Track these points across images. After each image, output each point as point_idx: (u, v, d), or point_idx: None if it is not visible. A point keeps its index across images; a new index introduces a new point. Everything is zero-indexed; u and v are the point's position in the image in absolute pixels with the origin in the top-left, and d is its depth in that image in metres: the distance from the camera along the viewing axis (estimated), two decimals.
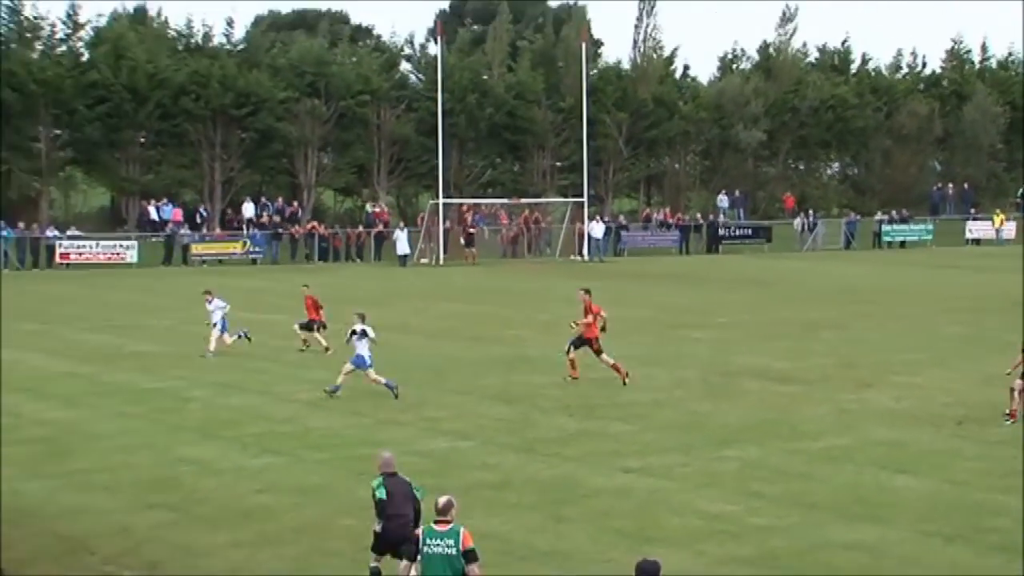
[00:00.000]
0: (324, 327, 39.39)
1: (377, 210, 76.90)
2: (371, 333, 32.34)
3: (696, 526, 21.39)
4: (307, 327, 39.61)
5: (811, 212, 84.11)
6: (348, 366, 32.17)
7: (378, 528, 17.02)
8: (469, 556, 15.15)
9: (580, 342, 34.07)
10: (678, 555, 19.92)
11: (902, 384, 33.62)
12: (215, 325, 38.38)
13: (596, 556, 19.78)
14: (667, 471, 24.89)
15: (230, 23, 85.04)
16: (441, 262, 69.68)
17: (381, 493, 16.89)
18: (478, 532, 20.04)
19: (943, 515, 21.89)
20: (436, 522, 15.33)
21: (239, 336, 38.86)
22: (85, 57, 78.00)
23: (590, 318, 34.30)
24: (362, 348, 32.21)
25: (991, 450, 26.54)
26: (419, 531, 15.77)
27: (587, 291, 35.05)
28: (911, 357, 37.44)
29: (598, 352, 33.85)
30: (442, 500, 15.40)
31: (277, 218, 74.77)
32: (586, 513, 22.05)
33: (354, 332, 32.05)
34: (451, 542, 15.12)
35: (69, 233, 69.96)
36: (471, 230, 73.91)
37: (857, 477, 24.44)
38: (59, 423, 29.27)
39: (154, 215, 73.33)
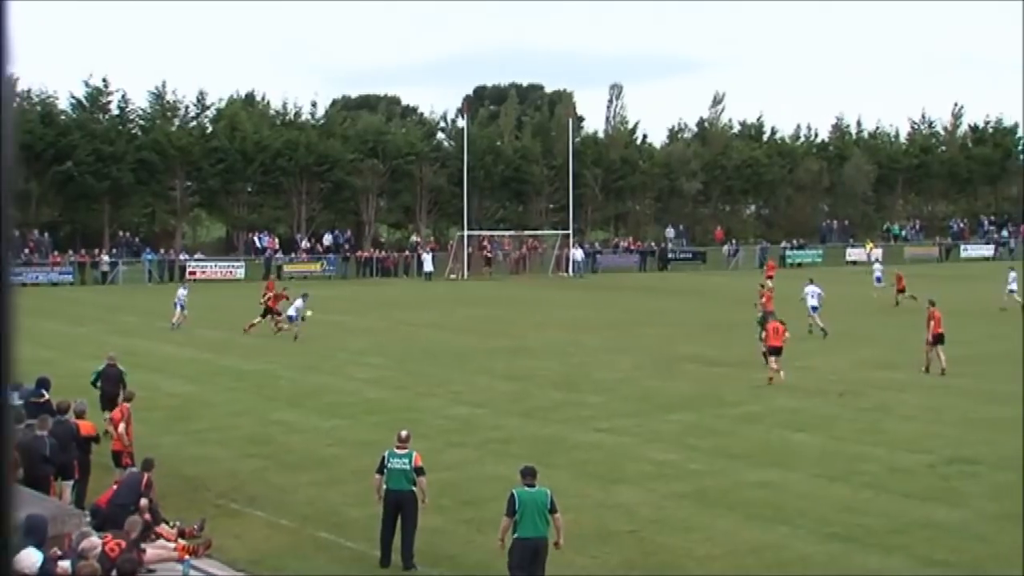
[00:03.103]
0: (278, 314, 40.70)
1: (419, 240, 77.00)
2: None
3: (648, 470, 21.29)
4: (265, 314, 41.33)
5: (734, 241, 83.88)
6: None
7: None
8: (419, 471, 16.10)
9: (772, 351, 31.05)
10: (636, 491, 19.84)
11: (800, 367, 33.43)
12: (290, 318, 39.53)
13: (576, 492, 19.64)
14: (628, 430, 24.80)
15: (314, 104, 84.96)
16: (465, 277, 69.53)
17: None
18: (490, 476, 20.10)
19: (828, 462, 21.77)
20: (397, 447, 16.21)
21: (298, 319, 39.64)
22: (209, 129, 77.98)
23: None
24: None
25: (863, 415, 26.44)
26: (384, 453, 16.35)
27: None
28: (806, 347, 37.25)
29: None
30: (404, 432, 16.57)
31: (346, 245, 74.87)
32: (569, 461, 21.95)
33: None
34: (406, 461, 16.05)
35: (195, 256, 70.17)
36: (489, 255, 73.94)
37: (766, 434, 24.34)
38: (184, 395, 29.26)
39: (257, 243, 73.41)
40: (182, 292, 43.72)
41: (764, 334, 32.21)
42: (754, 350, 34.21)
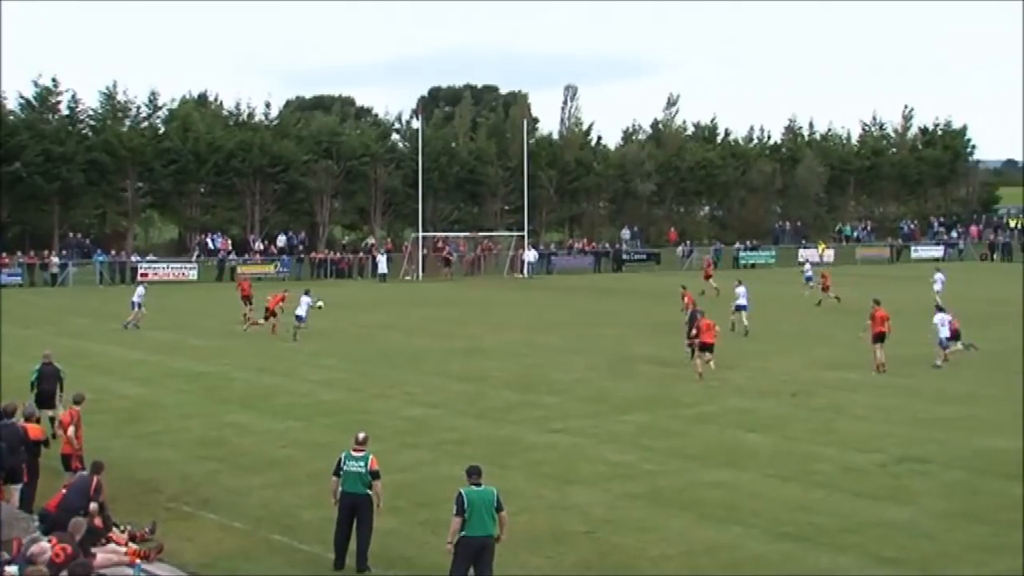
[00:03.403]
0: (275, 315, 41.15)
1: (371, 242, 76.85)
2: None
3: (603, 471, 21.34)
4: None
5: (688, 242, 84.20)
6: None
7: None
8: (374, 475, 16.01)
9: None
10: (590, 491, 19.88)
11: (753, 367, 33.69)
12: (299, 317, 39.77)
13: (530, 493, 19.72)
14: (582, 431, 24.84)
15: (268, 104, 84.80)
16: (420, 279, 69.40)
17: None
18: (444, 477, 20.04)
19: (781, 462, 21.93)
20: (354, 449, 16.15)
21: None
22: (161, 130, 77.40)
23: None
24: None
25: (815, 415, 26.64)
26: (341, 455, 16.30)
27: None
28: (759, 348, 37.50)
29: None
30: (361, 435, 16.57)
31: (300, 246, 74.58)
32: (524, 462, 21.98)
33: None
34: (362, 464, 15.95)
35: (148, 258, 69.60)
36: (448, 256, 73.90)
37: (720, 435, 24.46)
38: (135, 397, 29.01)
39: (210, 245, 72.93)
40: (140, 291, 43.97)
41: (695, 331, 32.67)
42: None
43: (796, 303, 52.11)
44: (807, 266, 62.42)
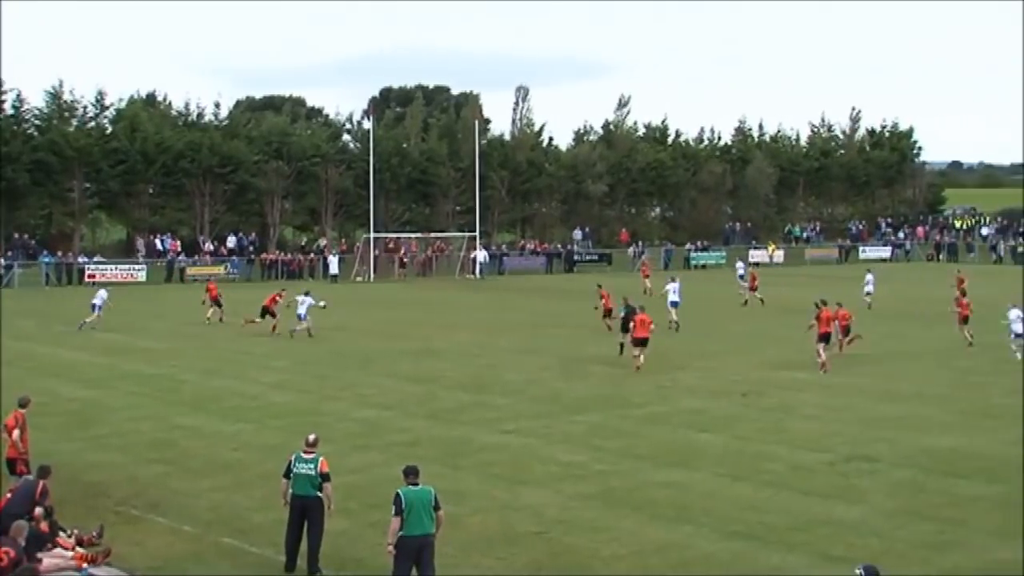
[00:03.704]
0: (273, 315, 42.06)
1: (323, 243, 76.56)
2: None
3: (555, 471, 21.37)
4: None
5: (640, 243, 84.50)
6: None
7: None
8: (324, 477, 15.93)
9: None
10: (542, 492, 19.91)
11: (703, 367, 33.88)
12: (300, 316, 40.43)
13: (482, 494, 19.72)
14: (534, 431, 24.86)
15: (217, 104, 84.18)
16: (372, 280, 69.17)
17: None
18: (396, 479, 19.78)
19: (731, 461, 22.06)
20: (304, 451, 16.08)
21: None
22: (109, 130, 76.60)
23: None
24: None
25: (765, 414, 26.82)
26: (291, 457, 16.20)
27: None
28: (710, 348, 37.72)
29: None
30: (311, 437, 16.62)
31: (251, 247, 74.17)
32: (475, 463, 21.97)
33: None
34: (312, 466, 15.87)
35: (95, 259, 68.86)
36: (403, 257, 73.71)
37: (671, 435, 24.57)
38: (83, 400, 28.70)
39: (159, 246, 72.36)
40: (103, 294, 44.04)
41: (632, 325, 33.61)
42: (662, 350, 34.52)
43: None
44: (739, 264, 64.15)
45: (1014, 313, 35.42)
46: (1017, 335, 35.14)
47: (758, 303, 51.54)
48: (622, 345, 35.10)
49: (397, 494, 14.49)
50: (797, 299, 50.29)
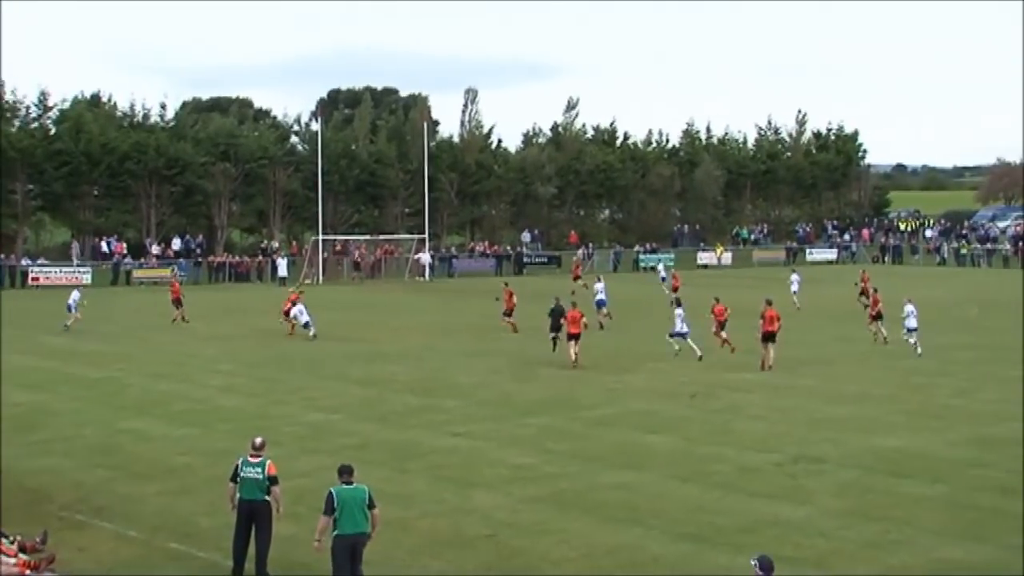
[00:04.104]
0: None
1: (275, 245, 76.18)
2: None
3: (505, 474, 21.36)
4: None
5: (589, 245, 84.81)
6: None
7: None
8: (272, 481, 15.87)
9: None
10: (492, 495, 19.89)
11: (651, 369, 34.02)
12: (302, 323, 41.43)
13: (431, 497, 19.68)
14: (484, 434, 24.85)
15: (163, 105, 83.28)
16: (321, 282, 68.83)
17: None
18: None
19: (680, 463, 22.15)
20: (251, 455, 16.00)
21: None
22: (52, 131, 75.77)
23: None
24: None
25: (714, 416, 26.96)
26: (238, 460, 16.10)
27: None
28: (657, 350, 37.83)
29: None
30: (258, 440, 16.62)
31: (198, 250, 73.65)
32: (424, 466, 21.92)
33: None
34: (260, 470, 15.80)
35: (39, 262, 68.05)
36: (357, 260, 73.43)
37: (621, 437, 24.62)
38: (27, 404, 28.32)
39: (104, 248, 71.65)
40: (75, 295, 44.63)
41: (563, 321, 34.94)
42: (612, 353, 34.63)
43: (694, 305, 52.65)
44: (660, 266, 66.48)
45: (908, 308, 37.07)
46: (910, 329, 36.83)
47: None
48: (555, 341, 35.87)
49: (329, 492, 14.68)
50: (745, 301, 50.58)
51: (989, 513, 18.62)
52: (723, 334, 36.97)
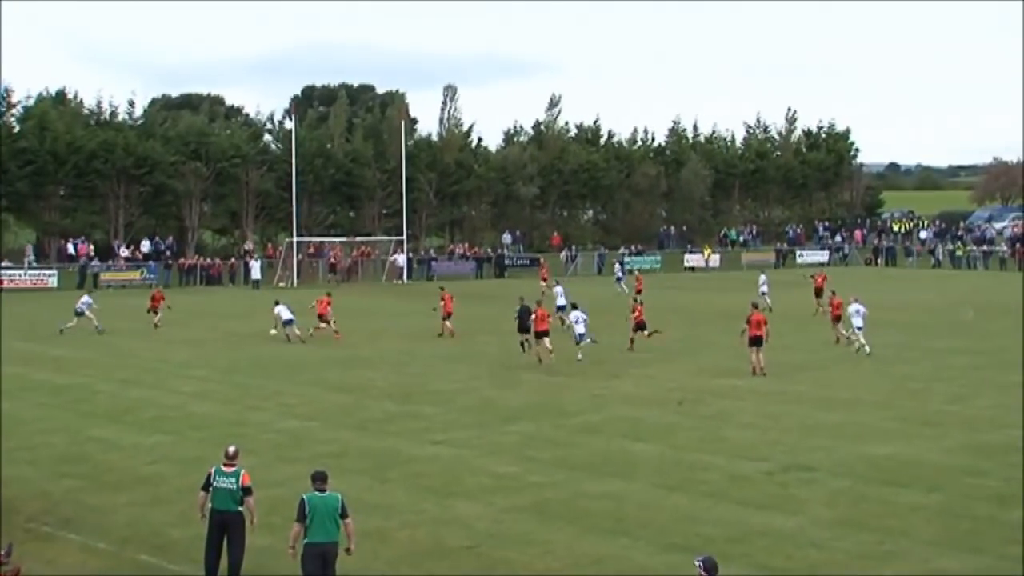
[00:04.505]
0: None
1: (249, 247, 76.05)
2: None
3: (487, 483, 21.37)
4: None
5: (573, 247, 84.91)
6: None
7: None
8: (246, 491, 15.93)
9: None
10: (474, 505, 19.89)
11: (638, 375, 34.07)
12: (284, 323, 41.55)
13: (411, 507, 19.67)
14: (466, 442, 24.85)
15: (131, 103, 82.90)
16: (295, 285, 68.69)
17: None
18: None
19: (668, 471, 22.20)
20: (225, 464, 16.04)
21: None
22: (16, 129, 75.45)
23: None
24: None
25: (702, 423, 27.01)
26: (211, 469, 16.13)
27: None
28: (644, 355, 37.90)
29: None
30: (231, 448, 16.70)
31: (168, 252, 73.47)
32: (404, 475, 21.92)
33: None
34: (233, 480, 15.85)
35: (3, 264, 67.68)
36: (334, 262, 73.23)
37: (606, 444, 24.66)
38: None
39: (71, 250, 71.37)
40: (86, 299, 45.02)
41: (531, 320, 36.10)
42: (596, 358, 34.65)
43: (681, 309, 52.81)
44: (617, 267, 68.12)
45: (853, 307, 38.41)
46: (858, 328, 38.13)
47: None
48: (524, 343, 36.75)
49: (301, 499, 14.80)
50: (733, 304, 50.74)
51: (986, 523, 18.72)
52: (640, 334, 38.74)
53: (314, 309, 43.09)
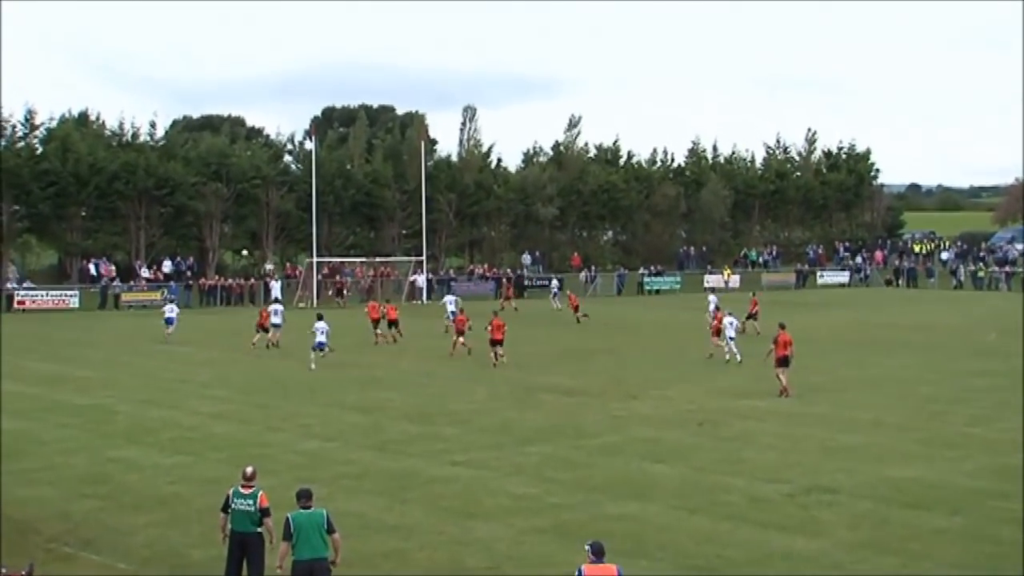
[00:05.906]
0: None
1: (269, 267, 76.29)
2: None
3: (507, 504, 21.32)
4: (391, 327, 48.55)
5: (592, 267, 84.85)
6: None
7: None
8: (264, 513, 15.95)
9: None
10: (494, 526, 19.84)
11: (658, 396, 33.98)
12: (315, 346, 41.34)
13: (431, 528, 19.62)
14: (485, 463, 24.80)
15: (153, 124, 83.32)
16: (315, 305, 68.77)
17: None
18: (342, 512, 19.84)
19: (688, 493, 22.10)
20: (242, 486, 16.09)
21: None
22: (39, 150, 75.90)
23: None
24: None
25: (723, 444, 26.90)
26: (229, 491, 16.19)
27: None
28: (664, 376, 37.83)
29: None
30: (249, 470, 16.72)
31: (189, 272, 73.73)
32: (424, 496, 21.87)
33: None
34: (251, 502, 15.89)
35: (25, 285, 68.10)
36: (340, 285, 73.25)
37: (626, 466, 24.58)
38: (12, 432, 28.22)
39: (92, 271, 71.71)
40: (175, 308, 49.19)
41: (489, 328, 40.69)
42: (617, 377, 34.54)
43: (701, 330, 52.65)
44: (554, 283, 71.42)
45: (727, 320, 41.59)
46: (730, 338, 41.22)
47: (578, 321, 55.99)
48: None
49: (286, 518, 14.98)
50: (751, 325, 50.62)
51: (1009, 546, 18.57)
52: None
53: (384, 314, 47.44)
